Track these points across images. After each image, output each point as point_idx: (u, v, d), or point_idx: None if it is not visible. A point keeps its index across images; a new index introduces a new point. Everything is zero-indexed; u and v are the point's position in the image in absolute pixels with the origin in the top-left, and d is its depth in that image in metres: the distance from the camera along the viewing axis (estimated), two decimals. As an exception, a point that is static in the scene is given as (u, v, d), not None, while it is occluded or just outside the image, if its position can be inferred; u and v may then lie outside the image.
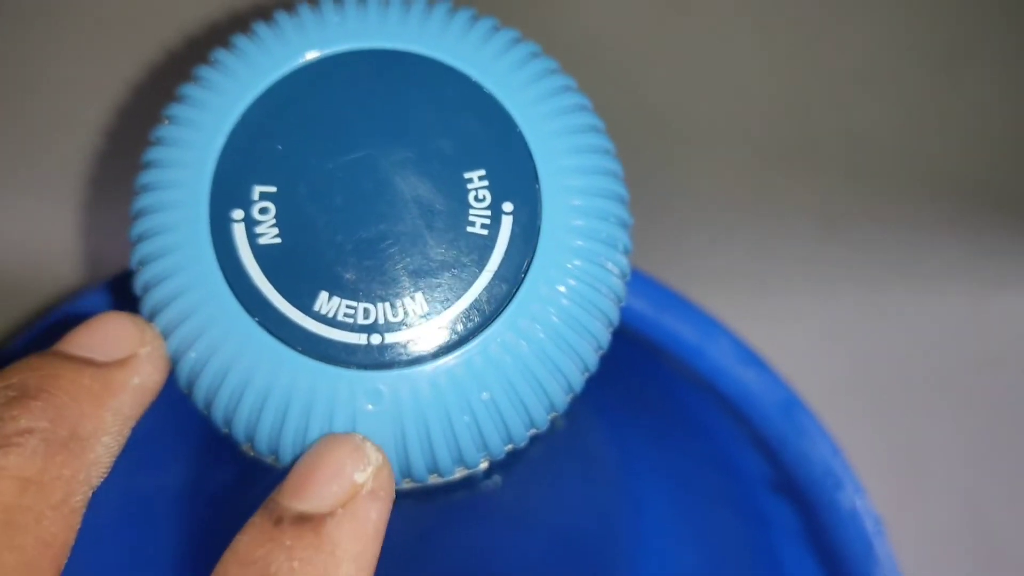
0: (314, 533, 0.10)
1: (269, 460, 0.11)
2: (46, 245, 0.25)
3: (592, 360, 0.11)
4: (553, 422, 0.12)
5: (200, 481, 0.27)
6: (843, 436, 0.24)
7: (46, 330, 0.20)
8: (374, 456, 0.10)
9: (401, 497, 0.14)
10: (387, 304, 0.11)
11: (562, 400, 0.11)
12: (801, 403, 0.20)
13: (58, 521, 0.10)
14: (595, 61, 0.25)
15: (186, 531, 0.26)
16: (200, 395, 0.11)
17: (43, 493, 0.10)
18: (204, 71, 0.11)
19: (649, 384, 0.24)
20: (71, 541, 0.10)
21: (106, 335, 0.11)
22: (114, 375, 0.10)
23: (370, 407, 0.10)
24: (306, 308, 0.11)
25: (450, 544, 0.25)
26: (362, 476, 0.10)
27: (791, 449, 0.20)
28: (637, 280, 0.20)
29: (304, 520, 0.10)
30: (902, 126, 0.28)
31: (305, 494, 0.10)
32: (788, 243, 0.32)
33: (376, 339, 0.11)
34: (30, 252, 0.25)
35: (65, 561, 0.10)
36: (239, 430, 0.11)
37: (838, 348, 0.33)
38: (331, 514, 0.10)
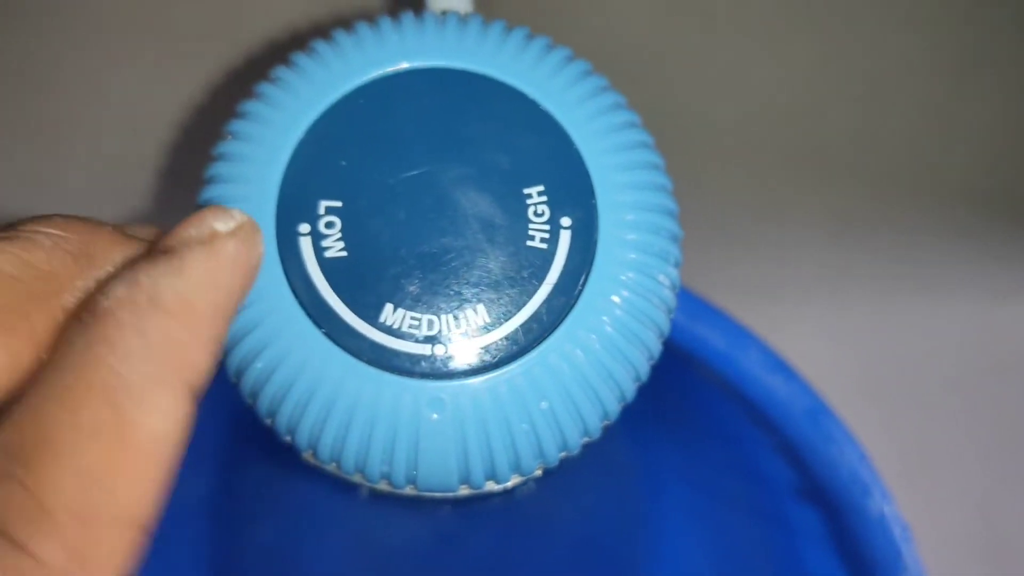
0: (166, 256, 0.10)
1: (330, 468, 0.12)
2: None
3: (644, 369, 0.12)
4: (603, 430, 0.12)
5: (226, 485, 0.27)
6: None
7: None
8: (239, 215, 0.10)
9: (441, 503, 0.14)
10: (450, 316, 0.11)
11: (615, 408, 0.12)
12: (829, 410, 0.20)
13: (44, 313, 0.10)
14: (611, 70, 0.26)
15: (212, 534, 0.27)
16: (264, 404, 0.11)
17: (40, 279, 0.10)
18: (267, 88, 0.12)
19: (674, 391, 0.24)
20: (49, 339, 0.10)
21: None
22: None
23: (434, 416, 0.11)
24: (372, 319, 0.11)
25: (472, 548, 0.25)
26: (224, 226, 0.10)
27: (819, 456, 0.20)
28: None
29: (161, 250, 0.10)
30: (915, 135, 0.28)
31: (166, 238, 0.10)
32: (801, 250, 0.32)
33: (440, 350, 0.11)
34: None
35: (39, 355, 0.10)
36: (302, 438, 0.11)
37: (851, 354, 0.33)
38: (186, 244, 0.10)
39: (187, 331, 0.09)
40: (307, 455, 0.12)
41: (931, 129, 0.28)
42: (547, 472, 0.13)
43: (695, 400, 0.23)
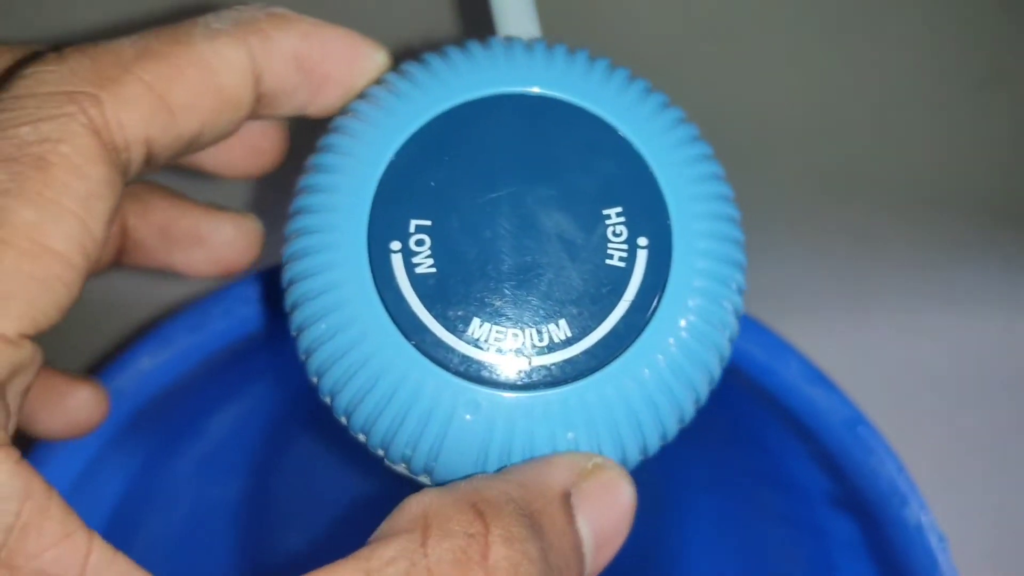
0: None
1: (422, 479, 0.12)
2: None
3: (704, 393, 0.12)
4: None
5: (259, 491, 0.27)
6: None
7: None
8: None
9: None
10: (534, 330, 0.11)
11: (674, 429, 0.12)
12: (867, 421, 0.20)
13: None
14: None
15: (242, 539, 0.27)
16: (360, 419, 0.12)
17: None
18: (356, 111, 0.12)
19: (710, 401, 0.24)
20: None
21: None
22: None
23: (523, 424, 0.11)
24: (460, 333, 0.11)
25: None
26: None
27: (858, 466, 0.20)
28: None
29: None
30: (936, 148, 0.29)
31: None
32: (822, 263, 0.32)
33: (524, 363, 0.11)
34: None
35: None
36: (396, 451, 0.12)
37: (872, 366, 0.33)
38: None
39: None
40: (400, 467, 0.12)
41: (952, 142, 0.28)
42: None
43: (730, 410, 0.24)
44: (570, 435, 0.11)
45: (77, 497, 0.21)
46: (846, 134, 0.28)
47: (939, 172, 0.29)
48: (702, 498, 0.27)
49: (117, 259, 0.16)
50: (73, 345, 0.25)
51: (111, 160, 0.11)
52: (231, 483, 0.27)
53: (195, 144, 0.12)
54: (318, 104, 0.13)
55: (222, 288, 0.21)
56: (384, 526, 0.10)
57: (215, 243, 0.16)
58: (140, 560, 0.11)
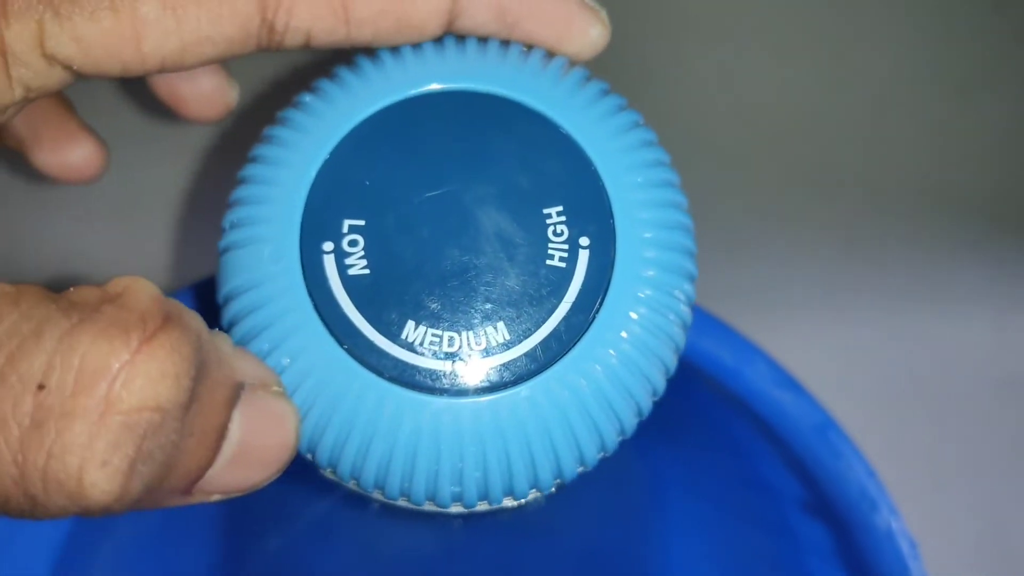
0: None
1: (350, 485, 0.12)
2: (138, 252, 0.25)
3: (660, 384, 0.12)
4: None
5: (232, 506, 0.27)
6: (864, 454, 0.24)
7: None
8: None
9: (453, 517, 0.15)
10: (470, 333, 0.11)
11: (632, 423, 0.12)
12: (837, 425, 0.20)
13: None
14: (623, 85, 0.26)
15: (221, 543, 0.27)
16: None
17: None
18: (291, 112, 0.12)
19: (681, 404, 0.24)
20: None
21: None
22: None
23: (452, 431, 0.11)
24: (394, 336, 0.11)
25: (479, 560, 0.25)
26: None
27: (827, 471, 0.20)
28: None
29: None
30: (923, 147, 0.28)
31: None
32: (810, 264, 0.32)
33: (460, 366, 0.11)
34: (122, 259, 0.25)
35: None
36: (323, 455, 0.11)
37: (859, 367, 0.33)
38: None
39: None
40: (327, 472, 0.12)
41: (939, 142, 0.28)
42: (562, 487, 0.13)
43: (702, 413, 0.24)
44: (510, 442, 0.11)
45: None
46: (832, 135, 0.28)
47: (925, 173, 0.29)
48: (680, 499, 0.27)
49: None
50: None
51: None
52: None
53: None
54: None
55: (173, 293, 0.21)
56: None
57: (72, 155, 0.16)
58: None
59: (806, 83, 0.26)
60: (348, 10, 0.12)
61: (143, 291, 0.10)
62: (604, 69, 0.26)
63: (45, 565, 0.22)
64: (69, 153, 0.16)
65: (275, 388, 0.11)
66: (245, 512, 0.27)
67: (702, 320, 0.20)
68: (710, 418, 0.23)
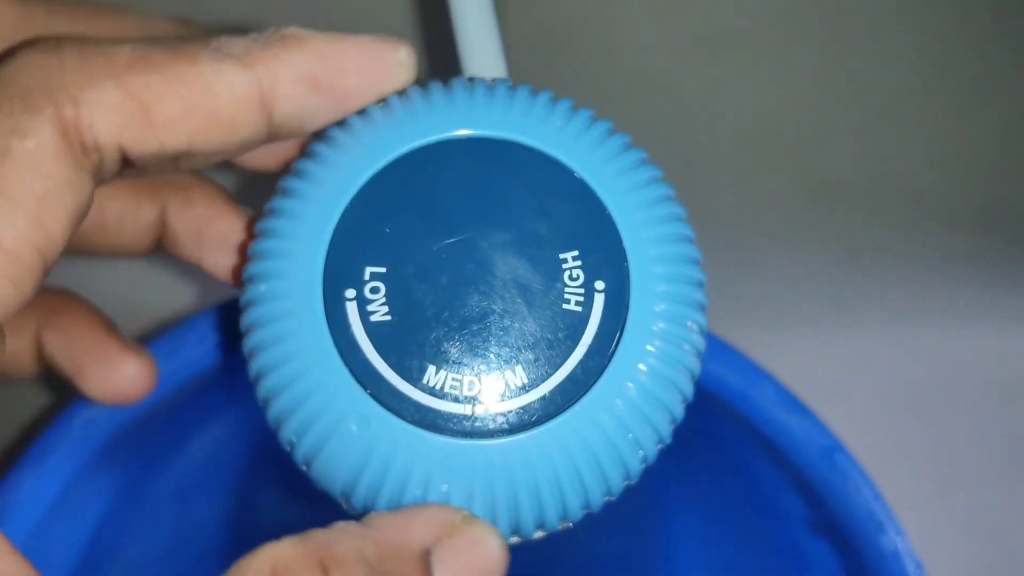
0: None
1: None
2: (161, 271, 0.26)
3: (679, 411, 0.12)
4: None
5: (245, 507, 0.27)
6: (864, 464, 0.24)
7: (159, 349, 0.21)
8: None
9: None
10: (490, 376, 0.11)
11: (654, 451, 0.12)
12: (844, 448, 0.20)
13: None
14: (624, 98, 0.26)
15: (226, 555, 0.27)
16: (319, 469, 0.12)
17: None
18: (306, 164, 0.12)
19: (692, 424, 0.24)
20: None
21: None
22: None
23: (482, 470, 0.11)
24: (415, 381, 0.11)
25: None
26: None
27: (834, 493, 0.20)
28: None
29: None
30: (923, 160, 0.29)
31: None
32: (812, 275, 0.32)
33: (480, 409, 0.11)
34: (148, 278, 0.25)
35: None
36: (339, 489, 0.12)
37: (861, 379, 0.33)
38: None
39: None
40: (343, 504, 0.12)
41: (940, 154, 0.28)
42: (590, 515, 0.13)
43: (709, 434, 0.24)
44: (527, 482, 0.11)
45: (52, 523, 0.21)
46: (833, 145, 0.28)
47: (926, 185, 0.29)
48: (686, 518, 0.27)
49: (157, 246, 0.16)
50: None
51: (76, 161, 0.11)
52: (214, 507, 0.27)
53: (194, 157, 0.12)
54: (349, 112, 0.13)
55: (196, 315, 0.21)
56: (234, 569, 0.10)
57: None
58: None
59: (805, 96, 0.27)
60: (149, 111, 0.11)
61: None
62: (603, 85, 0.26)
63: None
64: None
65: (460, 519, 0.11)
66: (249, 524, 0.27)
67: (711, 344, 0.21)
68: (718, 439, 0.24)
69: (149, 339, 0.21)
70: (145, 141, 0.12)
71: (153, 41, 0.12)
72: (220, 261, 0.16)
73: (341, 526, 0.11)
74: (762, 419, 0.21)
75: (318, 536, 0.11)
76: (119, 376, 0.16)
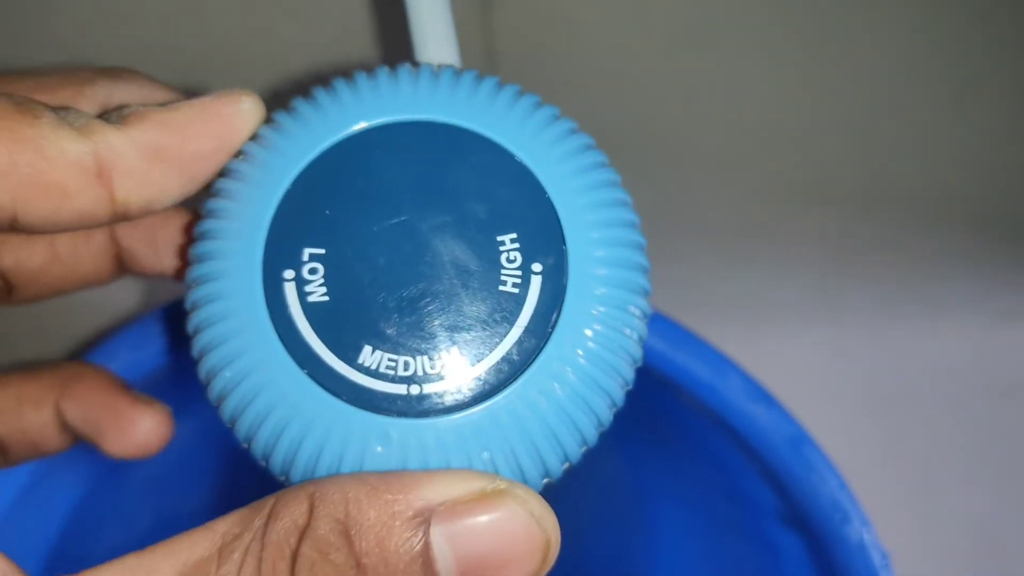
0: None
1: None
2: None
3: (619, 396, 0.12)
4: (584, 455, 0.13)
5: (224, 499, 0.28)
6: (855, 464, 0.24)
7: (103, 351, 0.21)
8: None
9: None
10: (425, 357, 0.12)
11: (593, 434, 0.12)
12: (810, 439, 0.20)
13: None
14: (611, 96, 0.26)
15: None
16: (259, 447, 0.12)
17: None
18: (251, 147, 0.12)
19: (665, 417, 0.24)
20: None
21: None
22: None
23: (412, 452, 0.11)
24: (351, 360, 0.12)
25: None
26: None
27: (800, 483, 0.20)
28: (654, 319, 0.21)
29: None
30: (911, 157, 0.28)
31: None
32: (800, 273, 0.32)
33: (415, 389, 0.12)
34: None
35: None
36: (279, 468, 0.12)
37: (850, 377, 0.33)
38: None
39: None
40: (283, 481, 0.12)
41: (928, 151, 0.28)
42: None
43: (684, 426, 0.24)
44: (462, 462, 0.11)
45: (24, 509, 0.21)
46: (821, 144, 0.28)
47: (915, 183, 0.29)
48: (668, 510, 0.27)
49: (118, 267, 0.16)
50: (17, 362, 0.25)
51: None
52: (194, 497, 0.27)
53: (25, 222, 0.12)
54: (203, 179, 0.13)
55: (171, 303, 0.21)
56: (250, 506, 0.11)
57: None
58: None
59: (792, 95, 0.26)
60: None
61: None
62: (588, 84, 0.26)
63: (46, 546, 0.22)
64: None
65: (491, 487, 0.11)
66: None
67: (676, 334, 0.21)
68: (692, 431, 0.24)
69: (124, 325, 0.22)
70: None
71: (6, 96, 0.12)
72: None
73: (348, 475, 0.11)
74: (728, 409, 0.21)
75: (327, 479, 0.11)
76: (138, 432, 0.17)
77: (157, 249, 0.16)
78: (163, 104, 0.12)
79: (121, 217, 0.12)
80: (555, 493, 0.18)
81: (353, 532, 0.11)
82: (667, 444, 0.26)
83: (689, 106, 0.27)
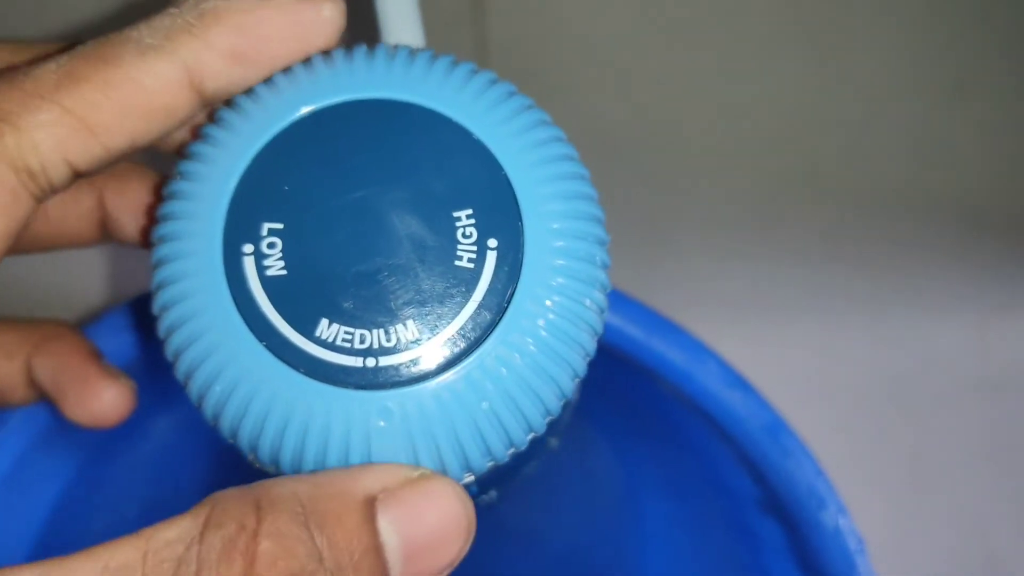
0: None
1: (271, 470, 0.12)
2: (76, 267, 0.26)
3: (580, 366, 0.12)
4: (553, 427, 0.13)
5: (214, 486, 0.28)
6: (845, 457, 0.24)
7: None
8: None
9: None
10: (381, 330, 0.12)
11: (556, 404, 0.12)
12: (786, 425, 0.21)
13: None
14: (601, 88, 0.26)
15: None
16: (210, 410, 0.12)
17: None
18: (210, 128, 0.13)
19: (647, 406, 0.24)
20: None
21: None
22: None
23: (371, 423, 0.12)
24: (308, 333, 0.12)
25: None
26: None
27: (776, 470, 0.20)
28: (630, 306, 0.21)
29: None
30: (905, 152, 0.29)
31: None
32: (791, 267, 0.32)
33: (371, 362, 0.12)
34: (61, 273, 0.26)
35: None
36: (244, 442, 0.12)
37: (841, 370, 0.33)
38: None
39: None
40: (251, 458, 0.12)
41: (921, 146, 0.28)
42: (495, 477, 0.13)
43: (667, 415, 0.24)
44: (431, 426, 0.12)
45: (6, 496, 0.21)
46: (815, 139, 0.28)
47: (908, 177, 0.29)
48: (656, 499, 0.27)
49: (101, 232, 0.17)
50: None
51: (16, 186, 0.12)
52: (186, 481, 0.28)
53: (135, 150, 0.13)
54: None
55: (144, 293, 0.21)
56: (183, 515, 0.11)
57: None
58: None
59: (786, 90, 0.27)
60: (87, 121, 0.12)
61: None
62: (587, 72, 0.26)
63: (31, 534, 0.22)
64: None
65: (416, 475, 0.11)
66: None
67: (652, 321, 0.21)
68: (672, 420, 0.24)
69: (109, 309, 0.22)
70: (89, 150, 0.12)
71: (74, 53, 0.12)
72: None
73: (283, 477, 0.12)
74: (705, 396, 0.21)
75: (264, 483, 0.11)
76: (99, 401, 0.17)
77: (141, 219, 0.16)
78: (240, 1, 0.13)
79: (210, 104, 0.13)
80: (539, 485, 0.18)
81: (312, 525, 0.11)
82: (650, 435, 0.26)
83: (682, 103, 0.27)
